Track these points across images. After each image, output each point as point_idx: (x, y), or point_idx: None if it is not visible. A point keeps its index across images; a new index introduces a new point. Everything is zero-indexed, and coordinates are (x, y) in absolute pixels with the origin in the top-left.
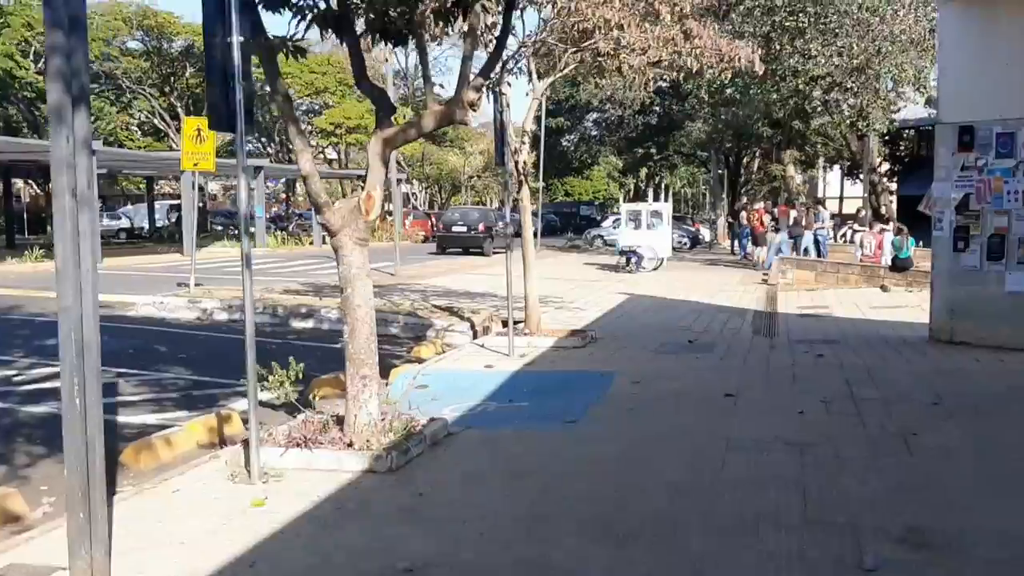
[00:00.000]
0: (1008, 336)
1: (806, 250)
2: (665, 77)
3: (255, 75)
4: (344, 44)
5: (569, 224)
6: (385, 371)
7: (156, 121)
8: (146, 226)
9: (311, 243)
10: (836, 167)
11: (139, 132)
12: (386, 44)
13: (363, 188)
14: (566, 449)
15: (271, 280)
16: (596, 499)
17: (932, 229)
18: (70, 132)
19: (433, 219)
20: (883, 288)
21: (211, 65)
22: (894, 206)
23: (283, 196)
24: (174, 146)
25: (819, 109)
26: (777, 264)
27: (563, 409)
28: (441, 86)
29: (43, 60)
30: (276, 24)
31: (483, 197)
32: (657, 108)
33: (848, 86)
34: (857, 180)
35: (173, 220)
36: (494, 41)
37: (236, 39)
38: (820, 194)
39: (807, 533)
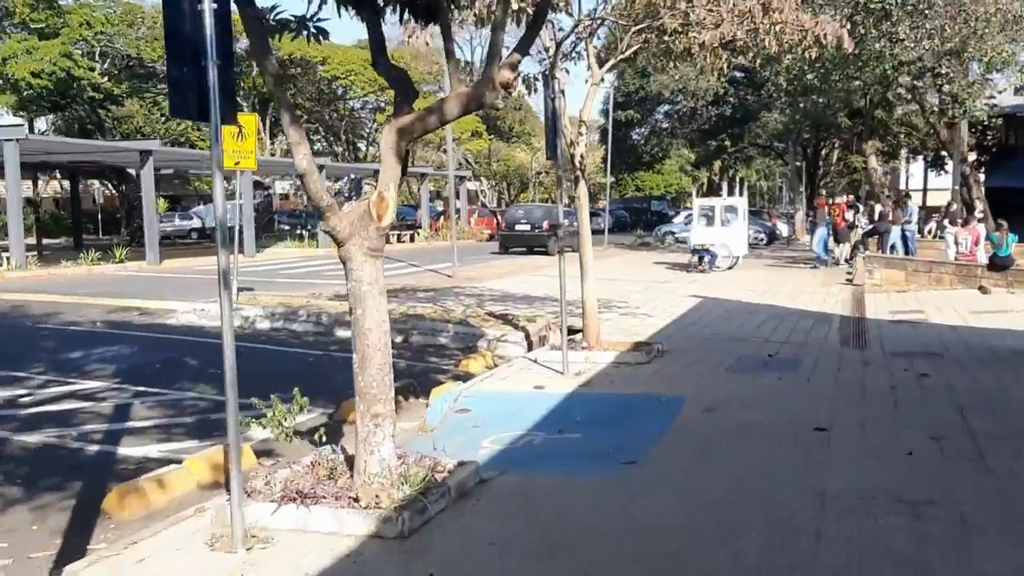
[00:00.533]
0: None
1: (893, 247)
2: (740, 62)
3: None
4: (363, 20)
5: (640, 220)
6: (428, 388)
7: None
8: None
9: None
10: (920, 158)
11: None
12: (415, 21)
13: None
14: (618, 508)
15: (323, 284)
16: None
17: None
18: None
19: (498, 217)
20: (982, 290)
21: (173, 34)
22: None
23: (349, 196)
24: None
25: (904, 97)
26: (859, 258)
27: (620, 445)
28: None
29: (108, 61)
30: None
31: (551, 193)
32: (731, 99)
33: (941, 71)
34: (942, 172)
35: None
36: (533, 10)
37: (208, 5)
38: (902, 187)
39: None
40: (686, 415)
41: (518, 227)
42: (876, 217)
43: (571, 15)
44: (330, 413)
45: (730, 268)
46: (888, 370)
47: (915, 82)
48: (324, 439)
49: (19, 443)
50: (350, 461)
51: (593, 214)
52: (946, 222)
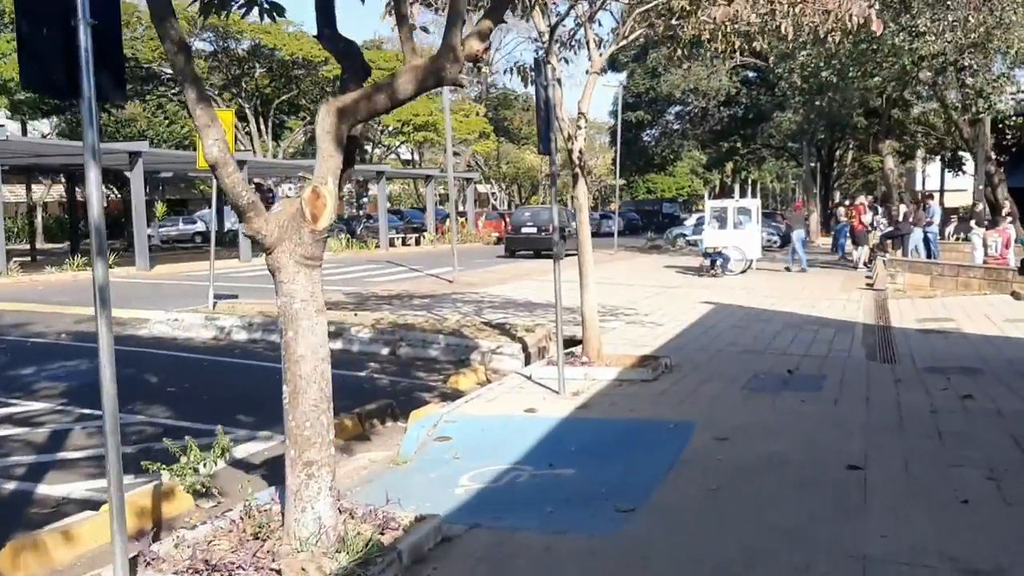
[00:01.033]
0: None
1: (915, 249)
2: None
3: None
4: None
5: (651, 222)
6: (410, 408)
7: None
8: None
9: (377, 246)
10: (937, 159)
11: None
12: None
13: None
14: None
15: None
16: None
17: None
18: None
19: (506, 219)
20: (1015, 295)
21: None
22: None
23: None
24: (242, 148)
25: (923, 94)
26: (879, 261)
27: (618, 484)
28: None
29: None
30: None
31: (563, 195)
32: (743, 99)
33: (964, 64)
34: (960, 172)
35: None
36: None
37: None
38: (918, 187)
39: None
40: (696, 445)
41: (524, 230)
42: (899, 218)
43: None
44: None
45: (743, 272)
46: (924, 389)
47: (936, 77)
48: (268, 477)
49: None
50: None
51: (604, 216)
52: (972, 223)
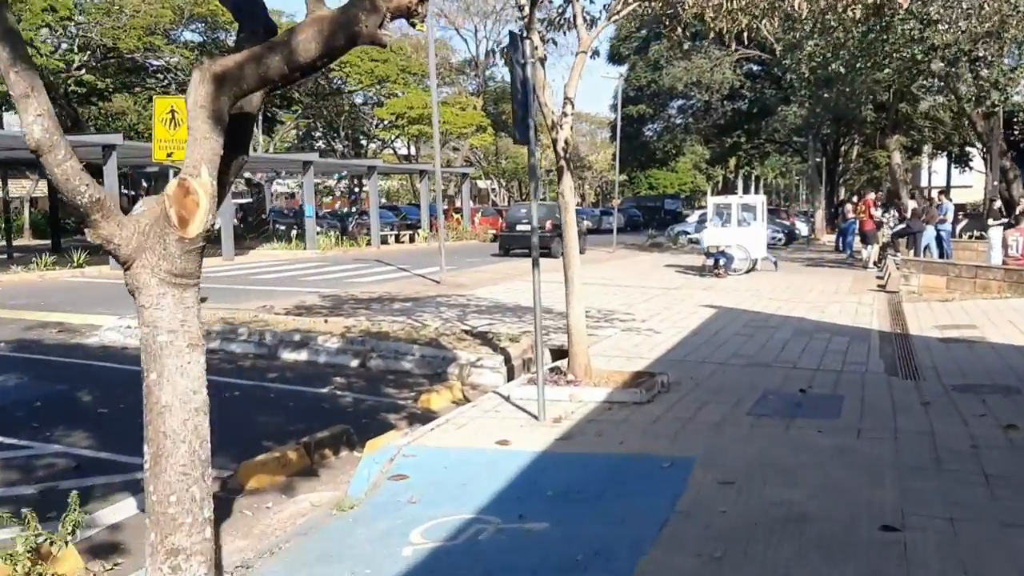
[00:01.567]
0: None
1: (927, 248)
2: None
3: None
4: None
5: (653, 219)
6: (369, 435)
7: None
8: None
9: (368, 243)
10: (944, 154)
11: None
12: None
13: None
14: None
15: (294, 292)
16: None
17: None
18: None
19: (503, 216)
20: None
21: None
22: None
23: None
24: None
25: (933, 87)
26: (891, 261)
27: (600, 547)
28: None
29: (88, 53)
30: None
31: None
32: (747, 93)
33: (979, 54)
34: (967, 168)
35: (238, 219)
36: None
37: None
38: (924, 183)
39: None
40: (696, 490)
41: (519, 227)
42: (908, 215)
43: None
44: (225, 478)
45: (748, 272)
46: (958, 415)
47: (949, 68)
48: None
49: None
50: None
51: (604, 212)
52: (990, 221)
